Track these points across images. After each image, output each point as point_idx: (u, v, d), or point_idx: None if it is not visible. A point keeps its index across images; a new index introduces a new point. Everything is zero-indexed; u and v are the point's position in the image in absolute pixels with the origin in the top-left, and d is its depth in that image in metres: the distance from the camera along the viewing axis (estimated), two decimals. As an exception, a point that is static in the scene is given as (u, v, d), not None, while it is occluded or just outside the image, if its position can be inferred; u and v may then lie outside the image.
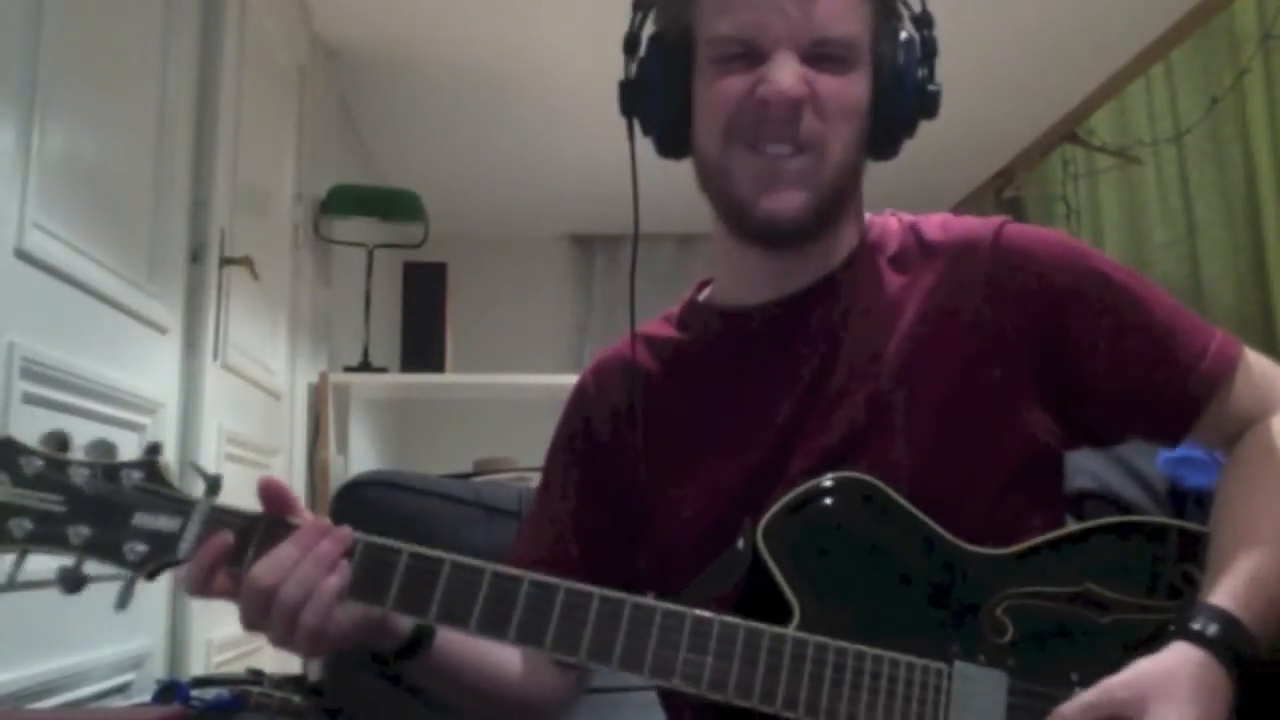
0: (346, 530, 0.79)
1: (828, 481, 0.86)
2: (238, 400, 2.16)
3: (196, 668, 1.83)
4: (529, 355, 4.12)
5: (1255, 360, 0.92)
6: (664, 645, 0.77)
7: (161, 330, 1.79)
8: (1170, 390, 0.90)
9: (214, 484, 0.80)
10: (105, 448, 0.80)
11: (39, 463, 0.78)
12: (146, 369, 1.72)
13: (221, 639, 2.01)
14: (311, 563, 0.77)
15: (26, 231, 1.32)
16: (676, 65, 0.93)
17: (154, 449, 0.81)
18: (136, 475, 0.79)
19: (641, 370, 1.01)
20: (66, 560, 0.77)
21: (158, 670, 1.73)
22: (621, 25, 0.95)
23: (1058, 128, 3.42)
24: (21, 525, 0.76)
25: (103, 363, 1.54)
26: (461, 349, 3.19)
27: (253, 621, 0.78)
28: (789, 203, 0.89)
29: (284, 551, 0.77)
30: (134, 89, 1.70)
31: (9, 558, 0.78)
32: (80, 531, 0.77)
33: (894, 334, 0.92)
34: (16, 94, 1.30)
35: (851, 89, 0.90)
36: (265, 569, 0.77)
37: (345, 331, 3.13)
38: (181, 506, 0.79)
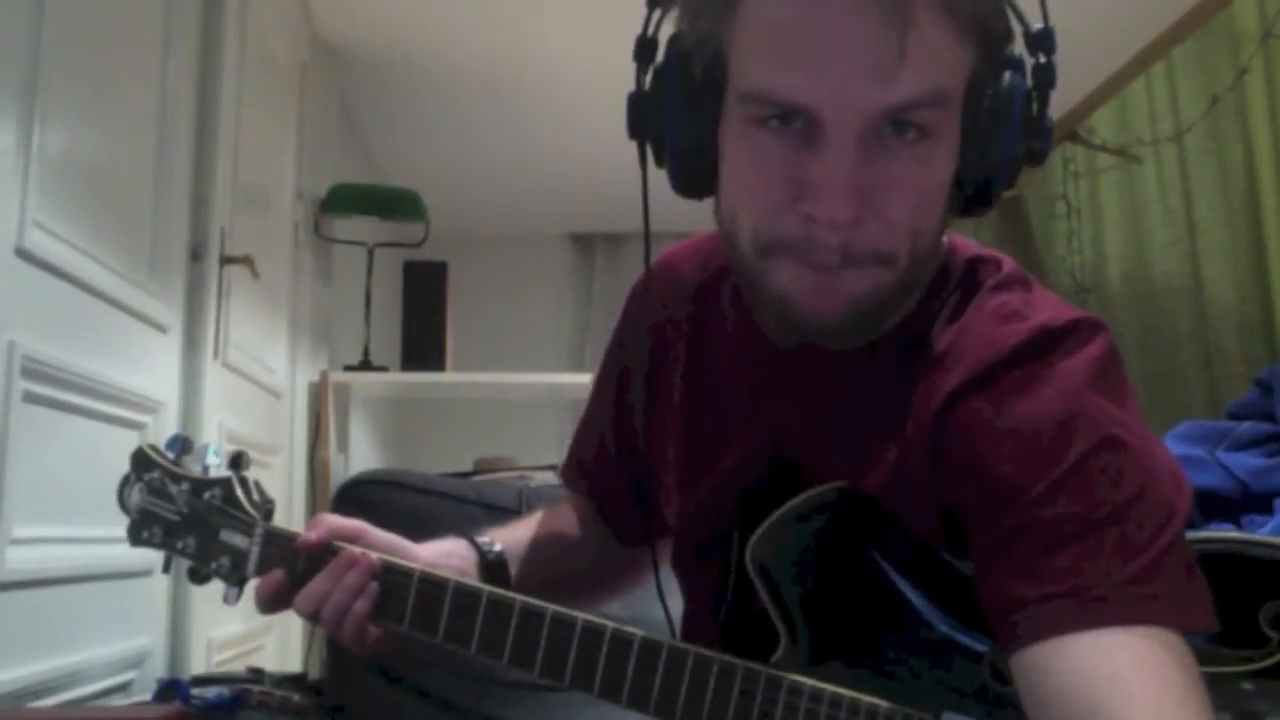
0: (371, 559, 0.86)
1: (828, 496, 0.75)
2: (238, 399, 2.16)
3: (197, 666, 1.83)
4: (530, 354, 4.12)
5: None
6: (640, 672, 0.77)
7: (162, 329, 1.79)
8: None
9: (268, 511, 0.91)
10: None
11: (156, 475, 0.92)
12: (147, 368, 1.72)
13: (222, 638, 2.01)
14: (341, 591, 0.85)
15: (27, 230, 1.31)
16: (702, 94, 0.72)
17: (236, 461, 0.92)
18: (218, 493, 0.91)
19: (675, 309, 0.94)
20: (187, 562, 0.93)
21: (158, 669, 1.73)
22: (623, 24, 0.81)
23: (1058, 127, 3.42)
24: (155, 532, 0.92)
25: (103, 362, 1.54)
26: (462, 348, 3.19)
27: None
28: (840, 314, 0.71)
29: (316, 585, 0.86)
30: (134, 89, 1.70)
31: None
32: (188, 542, 0.91)
33: (887, 467, 0.76)
34: (16, 94, 1.30)
35: (931, 167, 0.70)
36: (303, 602, 0.86)
37: (346, 330, 3.13)
38: (246, 528, 0.90)
